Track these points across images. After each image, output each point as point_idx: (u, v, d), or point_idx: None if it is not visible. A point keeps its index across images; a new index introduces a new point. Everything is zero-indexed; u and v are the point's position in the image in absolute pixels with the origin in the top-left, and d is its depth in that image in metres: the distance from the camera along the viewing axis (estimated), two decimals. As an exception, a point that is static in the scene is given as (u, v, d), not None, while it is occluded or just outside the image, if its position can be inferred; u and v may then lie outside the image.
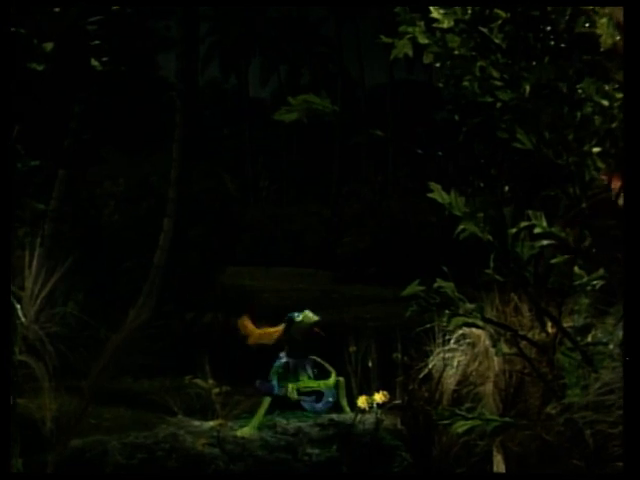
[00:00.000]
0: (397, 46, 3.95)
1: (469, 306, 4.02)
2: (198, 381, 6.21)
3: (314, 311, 6.95)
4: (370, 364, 6.45)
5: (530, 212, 3.85)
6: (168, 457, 5.80)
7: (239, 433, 6.15)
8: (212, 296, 12.69)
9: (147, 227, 12.09)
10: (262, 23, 36.37)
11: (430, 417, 5.41)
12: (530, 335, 4.60)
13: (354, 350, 6.49)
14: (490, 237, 3.91)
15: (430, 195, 3.98)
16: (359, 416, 6.13)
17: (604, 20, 3.77)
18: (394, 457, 5.87)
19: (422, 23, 3.90)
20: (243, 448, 5.96)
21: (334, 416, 6.45)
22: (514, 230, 3.87)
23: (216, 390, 6.12)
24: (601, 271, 3.86)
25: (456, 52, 3.89)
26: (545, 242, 3.85)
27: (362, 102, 33.43)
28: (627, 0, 3.67)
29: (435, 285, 3.97)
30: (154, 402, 6.57)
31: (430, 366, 5.84)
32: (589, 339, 4.21)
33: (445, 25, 3.88)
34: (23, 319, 5.72)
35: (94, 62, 8.57)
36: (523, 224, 3.85)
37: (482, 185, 4.04)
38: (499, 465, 5.21)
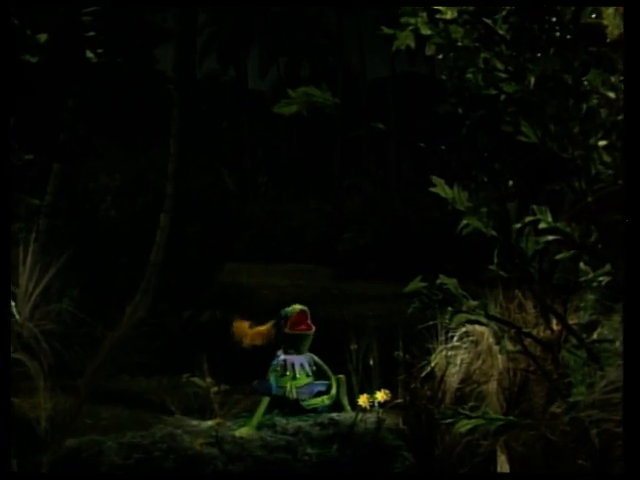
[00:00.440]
0: (399, 37, 3.95)
1: (472, 303, 4.02)
2: (196, 380, 6.22)
3: (314, 308, 6.96)
4: (371, 362, 6.46)
5: (535, 207, 3.85)
6: (165, 457, 5.80)
7: (238, 433, 6.16)
8: (210, 293, 12.70)
9: (144, 223, 12.09)
10: (261, 14, 36.33)
11: (432, 416, 5.42)
12: (535, 332, 4.60)
13: (355, 348, 6.50)
14: (494, 232, 3.91)
15: (433, 190, 3.98)
16: (360, 415, 6.14)
17: (610, 11, 3.77)
18: (396, 457, 5.87)
19: (424, 14, 3.89)
20: (242, 448, 5.96)
21: (334, 415, 6.46)
22: (518, 225, 3.87)
23: (214, 389, 6.13)
24: (607, 267, 3.86)
25: (459, 43, 3.89)
26: (550, 237, 3.85)
27: (363, 95, 33.40)
28: (627, 0, 3.67)
29: (438, 281, 3.97)
30: (151, 401, 6.59)
31: (432, 364, 5.85)
32: (595, 336, 4.21)
33: (448, 16, 3.87)
34: (17, 316, 5.74)
35: (89, 54, 8.58)
36: (528, 219, 3.85)
37: (486, 179, 4.04)
38: (503, 465, 5.21)
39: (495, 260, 3.95)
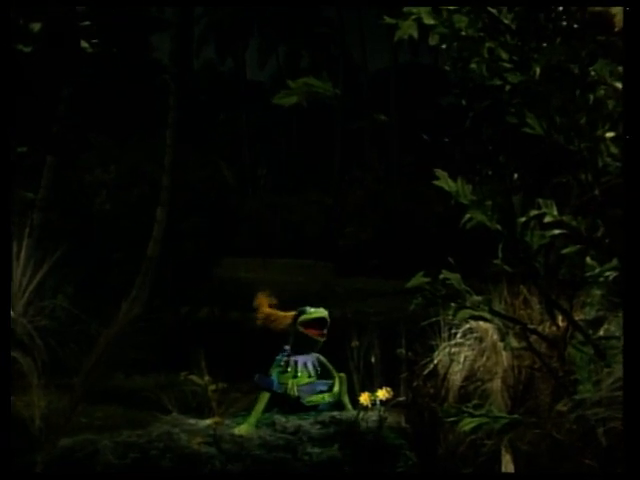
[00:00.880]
0: (401, 27, 3.94)
1: (476, 298, 4.02)
2: (193, 377, 6.23)
3: (314, 304, 6.96)
4: (373, 360, 6.46)
5: (540, 200, 3.85)
6: (162, 457, 5.81)
7: (236, 431, 6.17)
8: (208, 289, 12.71)
9: (139, 216, 12.11)
10: (260, 3, 36.28)
11: (435, 415, 5.43)
12: (540, 329, 4.61)
13: (356, 345, 6.51)
14: (498, 226, 3.91)
15: (436, 183, 3.98)
16: (361, 414, 6.15)
17: (619, -2, 3.77)
18: (398, 456, 5.89)
19: (428, 3, 3.89)
20: (241, 447, 5.97)
21: (335, 414, 6.47)
22: (523, 219, 3.87)
23: (212, 387, 6.14)
24: (614, 262, 3.85)
25: (463, 33, 3.89)
26: (556, 231, 3.85)
27: (365, 86, 33.37)
28: (627, 0, 3.67)
29: (441, 277, 3.97)
30: (148, 399, 6.59)
31: (435, 361, 5.85)
32: (601, 333, 4.21)
33: (452, 5, 3.87)
34: (11, 312, 5.74)
35: (84, 43, 8.57)
36: (533, 213, 3.85)
37: (490, 172, 4.04)
38: (507, 465, 5.22)
39: (499, 255, 3.95)
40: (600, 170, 3.81)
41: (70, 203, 12.19)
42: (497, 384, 5.51)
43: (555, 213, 3.84)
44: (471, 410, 4.12)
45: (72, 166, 12.29)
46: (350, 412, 6.46)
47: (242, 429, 6.20)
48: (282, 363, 6.74)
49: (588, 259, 3.92)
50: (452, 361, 5.79)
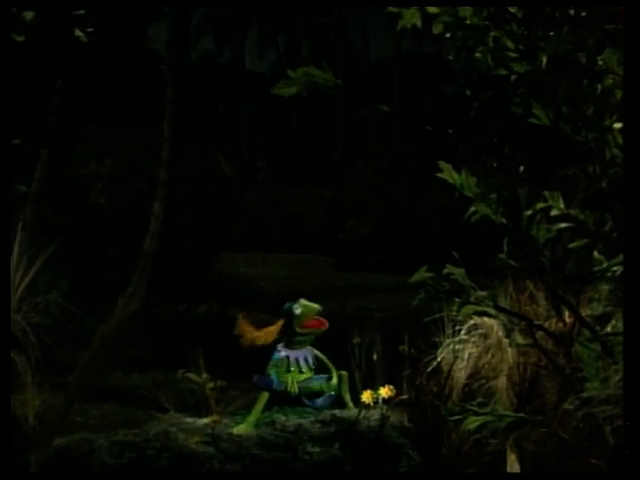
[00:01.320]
0: (404, 16, 3.93)
1: (481, 294, 4.02)
2: (191, 375, 6.22)
3: (314, 300, 6.94)
4: (375, 357, 6.45)
5: (546, 193, 3.84)
6: (159, 456, 5.81)
7: (235, 430, 6.16)
8: (206, 284, 12.71)
9: (136, 211, 12.10)
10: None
11: (439, 413, 5.42)
12: (546, 325, 4.60)
13: (358, 342, 6.49)
14: (504, 220, 3.90)
15: (439, 175, 3.98)
16: (363, 412, 6.14)
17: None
18: (400, 456, 5.88)
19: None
20: (239, 446, 5.97)
21: (336, 412, 6.46)
22: (529, 212, 3.86)
23: (210, 385, 6.13)
24: (622, 256, 3.85)
25: (468, 22, 3.88)
26: (563, 225, 3.84)
27: (367, 76, 33.35)
28: (627, 0, 3.66)
29: (444, 271, 3.96)
30: (144, 398, 6.58)
31: (439, 359, 5.85)
32: (609, 329, 4.20)
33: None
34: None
35: (78, 33, 8.55)
36: (539, 206, 3.84)
37: (495, 164, 4.03)
38: (513, 465, 5.22)
39: (505, 249, 3.94)
40: (608, 162, 3.80)
41: (65, 197, 12.18)
42: (502, 382, 5.51)
43: (562, 206, 3.83)
44: (475, 408, 4.12)
45: (67, 159, 12.28)
46: (351, 410, 6.45)
47: (241, 429, 6.19)
48: (280, 363, 6.72)
49: (595, 253, 3.92)
50: (456, 358, 5.79)
